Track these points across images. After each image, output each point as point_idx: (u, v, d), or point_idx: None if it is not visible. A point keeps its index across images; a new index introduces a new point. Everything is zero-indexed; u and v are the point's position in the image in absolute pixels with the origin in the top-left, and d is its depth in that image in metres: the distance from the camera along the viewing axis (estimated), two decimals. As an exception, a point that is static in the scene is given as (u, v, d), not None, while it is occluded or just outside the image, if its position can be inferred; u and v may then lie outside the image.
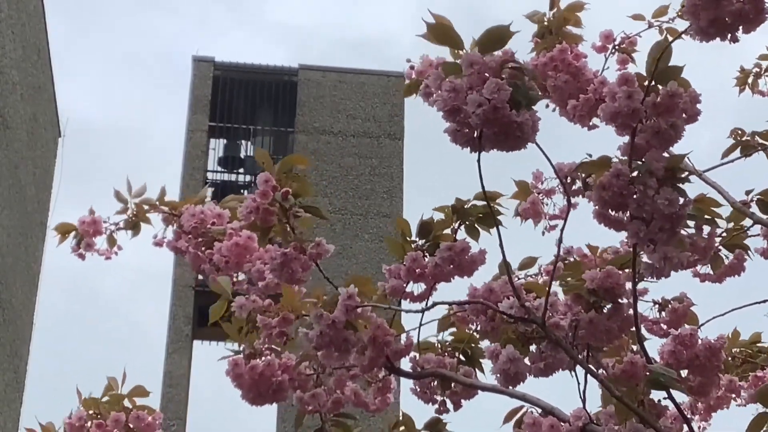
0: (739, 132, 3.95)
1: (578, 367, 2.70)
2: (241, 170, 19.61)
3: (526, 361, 2.67)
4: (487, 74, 2.33)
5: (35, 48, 15.22)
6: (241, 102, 19.81)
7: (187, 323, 17.71)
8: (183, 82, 19.56)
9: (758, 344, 3.46)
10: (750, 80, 4.70)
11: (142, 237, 3.23)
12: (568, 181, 2.72)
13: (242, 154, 19.76)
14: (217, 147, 19.73)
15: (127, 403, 3.10)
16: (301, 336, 2.60)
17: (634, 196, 2.42)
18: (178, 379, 17.47)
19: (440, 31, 2.48)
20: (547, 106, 2.93)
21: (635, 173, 2.45)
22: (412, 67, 3.04)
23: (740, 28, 2.42)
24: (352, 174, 19.25)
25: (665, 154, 2.47)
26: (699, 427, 3.46)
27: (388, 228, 18.37)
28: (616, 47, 3.12)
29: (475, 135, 2.34)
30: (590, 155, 2.67)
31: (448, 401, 2.94)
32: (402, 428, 3.09)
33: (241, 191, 18.66)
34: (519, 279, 3.00)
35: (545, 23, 2.92)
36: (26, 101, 14.72)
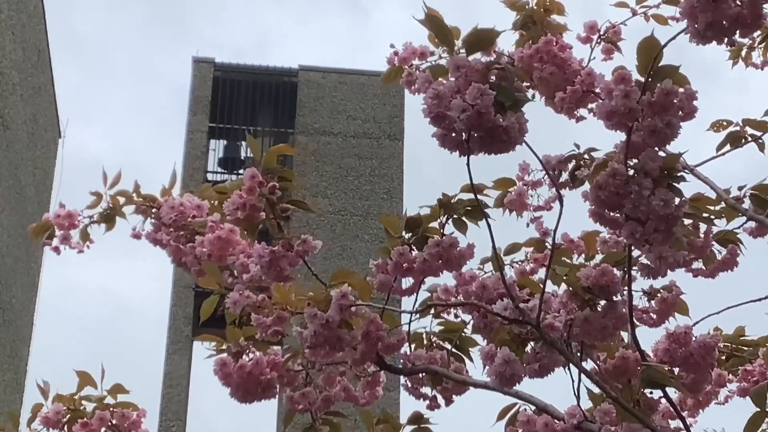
0: (724, 123, 3.83)
1: (572, 365, 2.68)
2: (241, 171, 19.60)
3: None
4: (473, 78, 2.30)
5: (35, 49, 15.22)
6: (242, 103, 19.81)
7: (186, 324, 17.71)
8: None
9: (742, 338, 3.45)
10: (743, 53, 4.60)
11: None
12: (556, 173, 2.70)
13: (242, 155, 19.75)
14: (217, 148, 19.74)
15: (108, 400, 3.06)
16: (295, 334, 2.57)
17: (630, 197, 2.40)
18: (178, 380, 17.46)
19: (435, 24, 2.48)
20: (533, 96, 2.89)
21: (631, 172, 2.43)
22: (395, 53, 2.98)
23: (737, 32, 2.40)
24: (352, 175, 19.23)
25: (661, 153, 2.45)
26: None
27: (388, 229, 18.36)
28: (601, 37, 3.07)
29: (464, 138, 2.32)
30: (578, 146, 2.65)
31: (439, 397, 2.92)
32: (384, 425, 3.07)
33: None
34: (506, 264, 2.97)
35: (526, 11, 2.87)
36: (26, 102, 14.72)
